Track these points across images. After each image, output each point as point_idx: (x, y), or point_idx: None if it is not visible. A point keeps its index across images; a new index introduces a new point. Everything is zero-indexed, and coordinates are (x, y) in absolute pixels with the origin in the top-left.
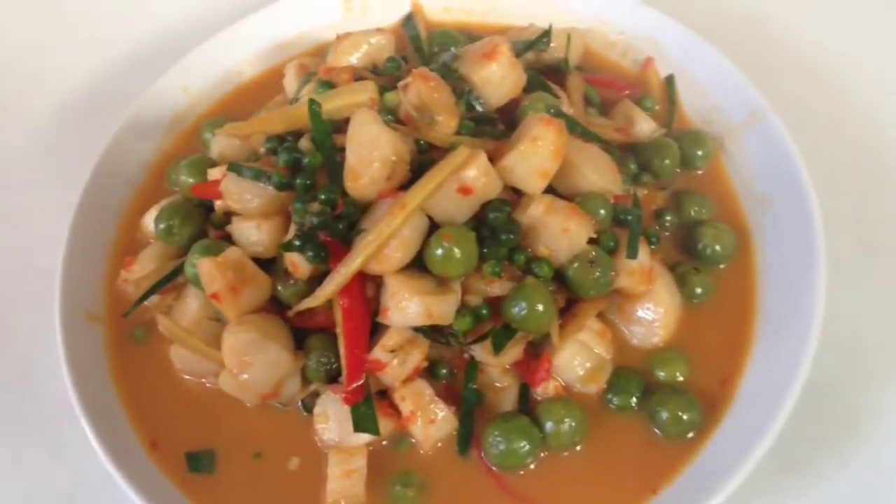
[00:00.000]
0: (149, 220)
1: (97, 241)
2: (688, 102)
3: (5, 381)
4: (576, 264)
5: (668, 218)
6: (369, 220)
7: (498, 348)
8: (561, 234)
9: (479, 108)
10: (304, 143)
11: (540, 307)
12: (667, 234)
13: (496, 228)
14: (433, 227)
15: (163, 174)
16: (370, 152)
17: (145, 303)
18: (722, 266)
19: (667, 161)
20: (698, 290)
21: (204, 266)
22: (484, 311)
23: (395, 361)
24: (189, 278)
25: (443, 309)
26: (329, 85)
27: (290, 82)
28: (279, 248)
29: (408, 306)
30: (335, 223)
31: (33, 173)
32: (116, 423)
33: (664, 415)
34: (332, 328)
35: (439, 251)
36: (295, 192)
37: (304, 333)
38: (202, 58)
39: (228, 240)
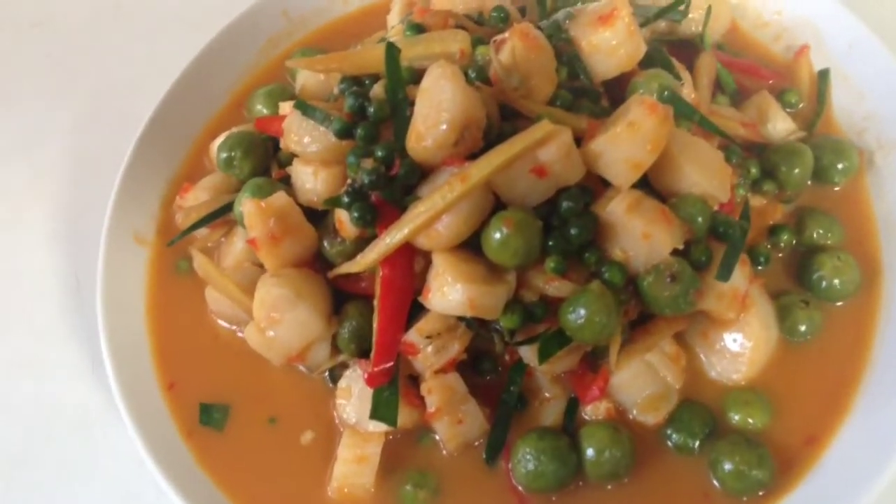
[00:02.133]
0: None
1: (163, 159)
2: (839, 105)
3: (59, 288)
4: (652, 276)
5: (785, 237)
6: (427, 188)
7: (544, 356)
8: (641, 238)
9: (583, 78)
10: (377, 91)
11: (600, 318)
12: (779, 255)
13: (568, 220)
14: (499, 206)
15: (245, 99)
16: (439, 112)
17: (196, 234)
18: (838, 304)
19: (796, 170)
20: (802, 328)
21: (247, 208)
22: (538, 311)
23: (430, 349)
24: (237, 217)
25: (488, 301)
26: (419, 28)
27: (394, 18)
28: (324, 203)
29: (449, 292)
30: (388, 185)
31: (130, 78)
32: (138, 354)
33: (728, 466)
34: (374, 297)
35: (497, 235)
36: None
37: (346, 298)
38: None
39: (289, 182)
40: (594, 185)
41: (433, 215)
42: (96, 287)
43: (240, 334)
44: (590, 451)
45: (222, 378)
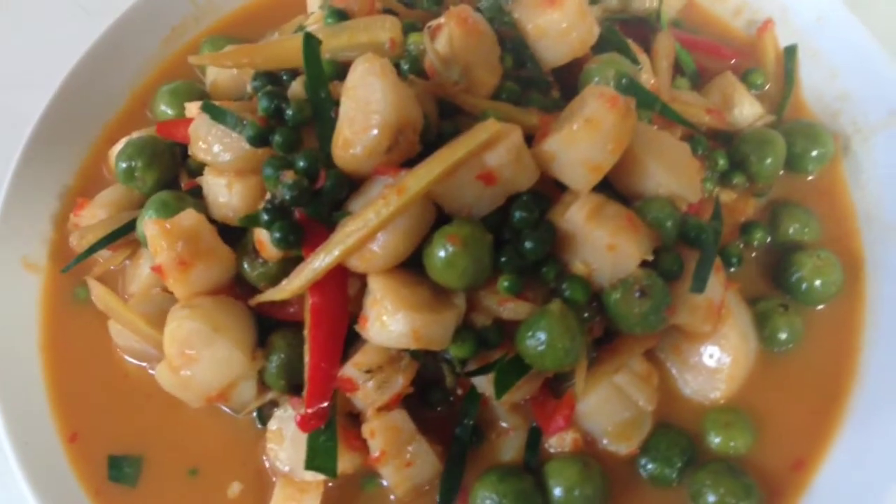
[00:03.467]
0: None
1: (55, 169)
2: (809, 84)
3: None
4: (619, 292)
5: (758, 235)
6: (359, 202)
7: (501, 389)
8: (605, 250)
9: (530, 66)
10: (296, 89)
11: (563, 343)
12: (753, 254)
13: (521, 232)
14: (442, 219)
15: (149, 98)
16: (368, 114)
17: (97, 256)
18: (819, 307)
19: (768, 160)
20: (782, 336)
21: (150, 230)
22: (492, 337)
23: (371, 384)
24: (140, 238)
25: (435, 331)
26: (342, 14)
27: (314, 2)
28: (239, 222)
29: (389, 322)
30: (313, 200)
31: (16, 73)
32: (33, 401)
33: (710, 498)
34: (304, 324)
35: (442, 253)
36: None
37: (273, 325)
38: None
39: (201, 194)
40: (549, 190)
41: (367, 234)
42: None
43: (152, 372)
44: (557, 491)
45: (133, 425)
